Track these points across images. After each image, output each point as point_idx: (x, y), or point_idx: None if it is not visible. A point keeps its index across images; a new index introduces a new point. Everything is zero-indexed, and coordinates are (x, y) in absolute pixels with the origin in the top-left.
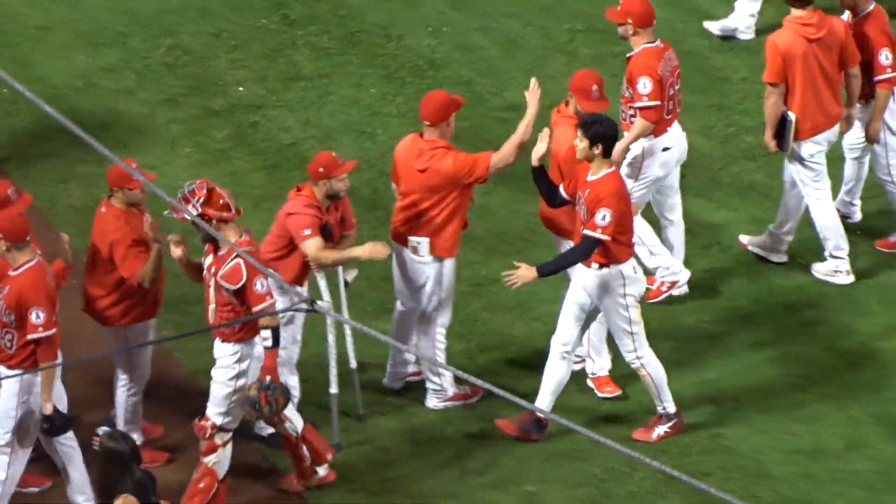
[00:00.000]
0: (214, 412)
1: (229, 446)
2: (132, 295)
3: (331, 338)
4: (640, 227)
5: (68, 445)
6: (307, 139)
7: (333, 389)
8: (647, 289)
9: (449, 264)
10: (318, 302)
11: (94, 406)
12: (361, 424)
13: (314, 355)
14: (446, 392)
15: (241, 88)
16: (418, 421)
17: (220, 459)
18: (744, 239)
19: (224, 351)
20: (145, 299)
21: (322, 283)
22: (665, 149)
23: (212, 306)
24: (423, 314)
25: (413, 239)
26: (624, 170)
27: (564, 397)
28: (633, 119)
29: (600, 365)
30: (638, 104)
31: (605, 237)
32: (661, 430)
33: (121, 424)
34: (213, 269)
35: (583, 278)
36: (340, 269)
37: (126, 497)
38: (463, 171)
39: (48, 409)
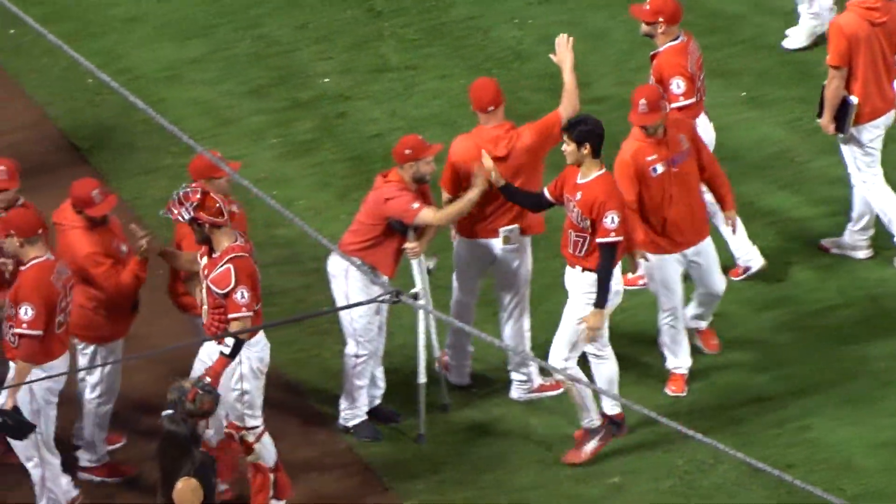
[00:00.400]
0: (233, 417)
1: (267, 436)
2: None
3: (420, 328)
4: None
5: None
6: (393, 131)
7: (421, 380)
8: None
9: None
10: (403, 294)
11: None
12: (446, 415)
13: (399, 346)
14: (532, 383)
15: (326, 80)
16: (503, 412)
17: (261, 454)
18: (825, 243)
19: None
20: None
21: (416, 271)
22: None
23: (205, 307)
24: (513, 303)
25: (504, 228)
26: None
27: (638, 391)
28: None
29: (677, 364)
30: (674, 105)
31: (619, 238)
32: (590, 446)
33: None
34: (206, 272)
35: (567, 276)
36: (422, 257)
37: (187, 479)
38: (545, 135)
39: (8, 405)
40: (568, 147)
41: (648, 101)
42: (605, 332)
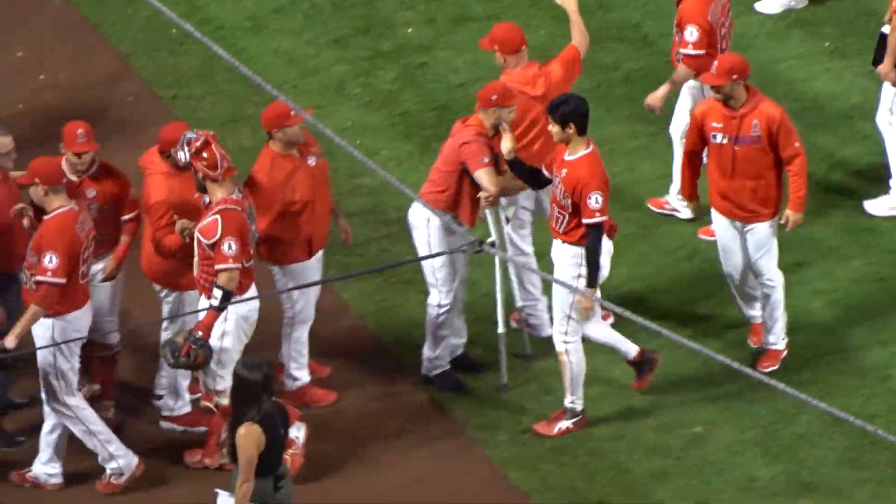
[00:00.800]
0: (212, 381)
1: None
2: (287, 235)
3: (498, 278)
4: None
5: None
6: (476, 80)
7: (501, 329)
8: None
9: None
10: (485, 243)
11: (262, 348)
12: (529, 365)
13: (483, 296)
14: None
15: (409, 30)
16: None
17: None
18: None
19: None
20: (301, 240)
21: (490, 221)
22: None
23: (196, 259)
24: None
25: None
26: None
27: (720, 342)
28: (678, 59)
29: (752, 314)
30: (682, 51)
31: (604, 218)
32: (563, 424)
33: (286, 362)
34: (197, 222)
35: (552, 249)
36: (501, 204)
37: (250, 425)
38: (569, 69)
39: (8, 344)
40: (553, 128)
41: (719, 65)
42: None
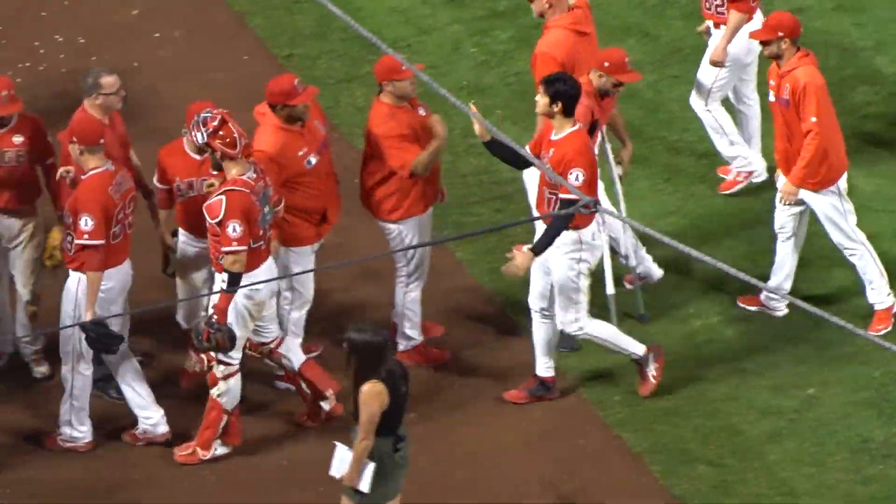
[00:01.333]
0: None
1: (235, 378)
2: (401, 189)
3: (604, 238)
4: (721, 115)
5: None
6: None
7: (610, 290)
8: (722, 179)
9: None
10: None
11: (374, 308)
12: (644, 325)
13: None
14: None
15: None
16: (699, 323)
17: (223, 392)
18: None
19: (217, 279)
20: (413, 194)
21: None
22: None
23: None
24: None
25: None
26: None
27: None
28: (719, 10)
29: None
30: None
31: (584, 198)
32: (521, 392)
33: (399, 321)
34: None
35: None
36: (612, 163)
37: (374, 383)
38: None
39: (87, 317)
40: (542, 99)
41: (766, 21)
42: (586, 304)
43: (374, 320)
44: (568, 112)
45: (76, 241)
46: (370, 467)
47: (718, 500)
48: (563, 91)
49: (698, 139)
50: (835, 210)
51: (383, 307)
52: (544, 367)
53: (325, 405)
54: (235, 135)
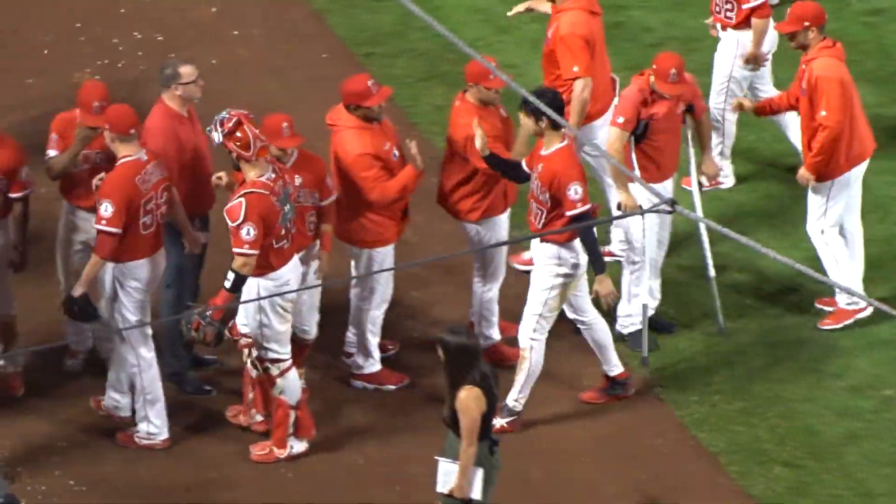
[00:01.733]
0: (257, 347)
1: (292, 373)
2: (480, 189)
3: (703, 226)
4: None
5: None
6: (669, 40)
7: (711, 273)
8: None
9: None
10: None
11: (450, 306)
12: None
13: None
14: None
15: None
16: (776, 324)
17: (283, 388)
18: None
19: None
20: (492, 195)
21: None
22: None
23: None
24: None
25: None
26: (738, 64)
27: None
28: (728, 14)
29: None
30: (748, 5)
31: (587, 207)
32: (498, 421)
33: (476, 321)
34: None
35: (532, 247)
36: (693, 169)
37: (470, 388)
38: None
39: (77, 292)
40: (527, 120)
41: (791, 11)
42: (585, 300)
43: (451, 319)
44: (555, 125)
45: (94, 225)
46: (479, 473)
47: (795, 501)
48: (545, 105)
49: (774, 138)
50: (821, 200)
51: (460, 305)
52: (612, 366)
53: (298, 446)
54: (250, 137)
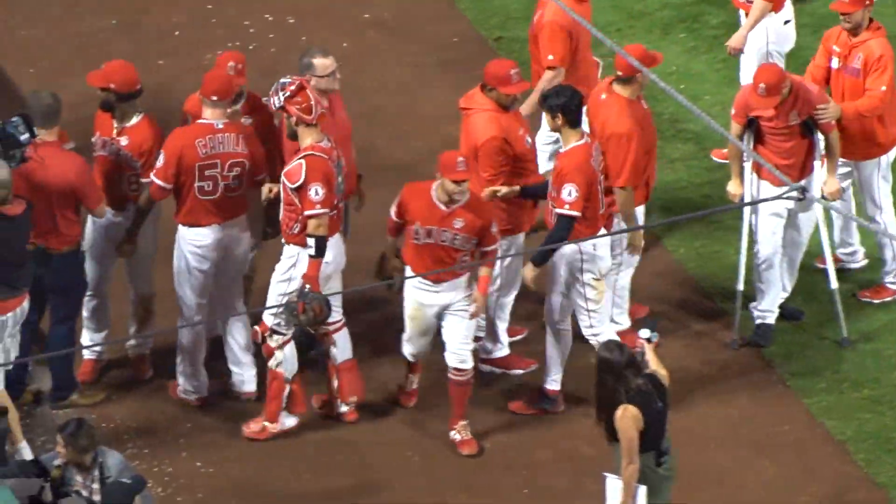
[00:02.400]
0: (267, 314)
1: (290, 346)
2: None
3: (822, 230)
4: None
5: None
6: (800, 27)
7: (834, 285)
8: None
9: None
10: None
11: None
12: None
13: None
14: None
15: None
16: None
17: (281, 361)
18: None
19: (284, 252)
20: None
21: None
22: (786, 22)
23: (282, 205)
24: None
25: None
26: (753, 54)
27: None
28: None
29: None
30: None
31: (574, 213)
32: (530, 407)
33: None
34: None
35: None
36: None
37: (625, 408)
38: None
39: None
40: (546, 116)
41: None
42: (602, 312)
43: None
44: (572, 123)
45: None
46: (642, 491)
47: None
48: (558, 104)
49: None
50: (876, 177)
51: None
52: (551, 381)
53: (343, 407)
54: (312, 101)
